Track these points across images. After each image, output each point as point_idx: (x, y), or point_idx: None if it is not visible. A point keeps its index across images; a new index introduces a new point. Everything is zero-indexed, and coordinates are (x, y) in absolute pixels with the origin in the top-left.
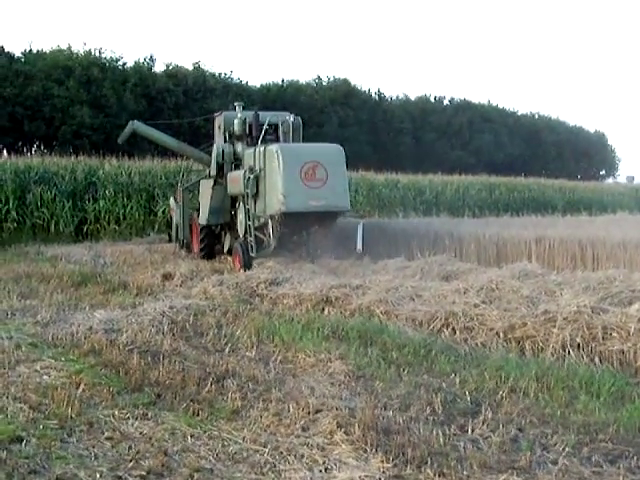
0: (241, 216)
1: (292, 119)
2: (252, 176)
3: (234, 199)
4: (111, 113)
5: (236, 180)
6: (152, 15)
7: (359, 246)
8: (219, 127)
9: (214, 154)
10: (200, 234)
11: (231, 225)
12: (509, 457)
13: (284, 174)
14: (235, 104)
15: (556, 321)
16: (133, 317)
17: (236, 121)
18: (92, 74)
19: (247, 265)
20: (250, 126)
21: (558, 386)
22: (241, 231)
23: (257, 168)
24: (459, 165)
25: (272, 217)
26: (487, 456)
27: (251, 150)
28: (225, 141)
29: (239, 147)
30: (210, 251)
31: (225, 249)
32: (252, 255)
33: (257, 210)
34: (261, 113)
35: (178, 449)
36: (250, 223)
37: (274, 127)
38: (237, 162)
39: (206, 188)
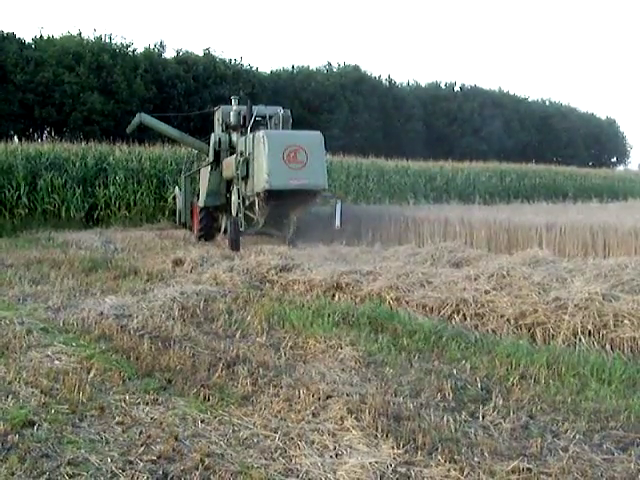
0: (234, 197)
1: (282, 112)
2: (242, 159)
3: (229, 183)
4: (121, 99)
5: (229, 164)
6: (162, 1)
7: (338, 223)
8: (218, 119)
9: (211, 142)
10: (199, 216)
11: (227, 207)
12: (520, 444)
13: (269, 156)
14: (231, 97)
15: (567, 308)
16: (144, 303)
17: (232, 113)
18: (102, 60)
19: (236, 240)
20: (244, 118)
21: (569, 373)
22: (234, 211)
23: (247, 152)
24: (470, 151)
25: (258, 194)
26: (498, 443)
27: (243, 138)
28: (222, 131)
29: (234, 136)
30: (208, 232)
31: (222, 230)
32: (241, 230)
33: (247, 190)
34: (254, 107)
35: (189, 434)
36: (240, 202)
37: (266, 119)
38: (232, 150)
39: (205, 174)
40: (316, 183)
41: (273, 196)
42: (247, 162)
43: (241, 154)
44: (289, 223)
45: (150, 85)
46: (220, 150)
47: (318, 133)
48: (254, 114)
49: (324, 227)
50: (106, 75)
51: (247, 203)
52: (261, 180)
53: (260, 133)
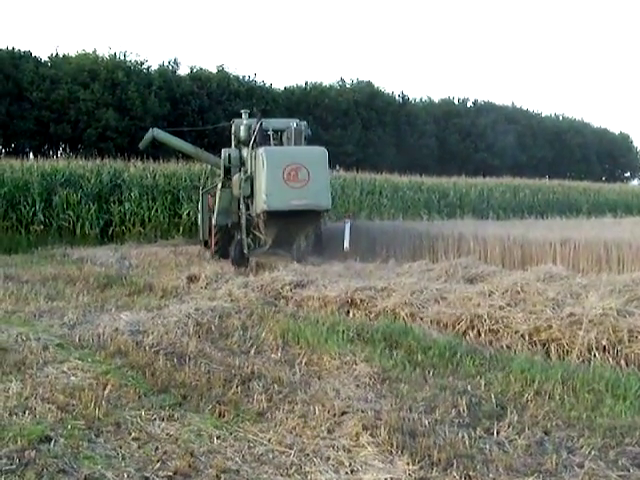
0: (241, 216)
1: (294, 125)
2: (245, 177)
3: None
4: (136, 116)
5: (236, 182)
6: (176, 19)
7: (346, 244)
8: (232, 133)
9: (222, 158)
10: (215, 234)
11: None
12: (535, 460)
13: (267, 175)
14: (242, 111)
15: (582, 324)
16: (159, 319)
17: (242, 127)
18: (117, 77)
19: (238, 263)
20: (255, 132)
21: (584, 389)
22: (241, 231)
23: (250, 170)
24: (483, 167)
25: (258, 216)
26: (513, 459)
27: (249, 154)
28: (235, 147)
29: (245, 152)
30: (224, 250)
31: None
32: (245, 252)
33: (251, 210)
34: (265, 120)
35: (204, 450)
36: (244, 222)
37: (279, 133)
38: (243, 166)
39: (218, 192)
40: (318, 203)
41: (274, 217)
42: (252, 180)
43: (245, 172)
44: (296, 243)
45: (164, 102)
46: (231, 166)
47: (322, 149)
48: (257, 128)
49: (337, 244)
50: (120, 92)
51: (253, 223)
52: (260, 201)
53: (260, 150)
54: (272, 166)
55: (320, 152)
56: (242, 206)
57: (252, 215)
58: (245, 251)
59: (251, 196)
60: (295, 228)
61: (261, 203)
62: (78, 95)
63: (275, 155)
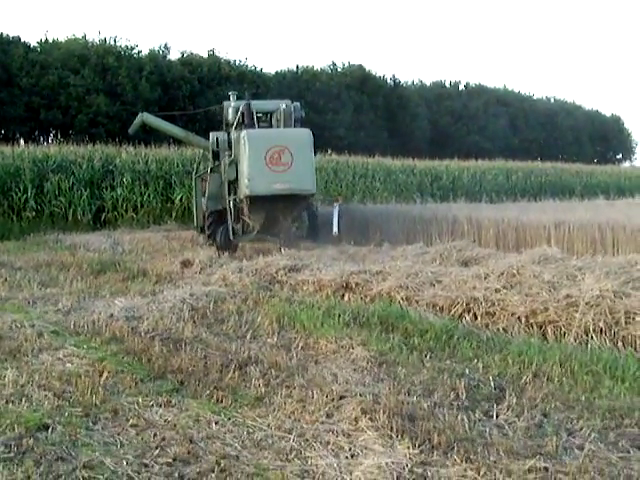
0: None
1: (284, 107)
2: (229, 161)
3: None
4: (127, 101)
5: (224, 167)
6: (167, 3)
7: (335, 229)
8: (223, 117)
9: (210, 142)
10: (207, 220)
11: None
12: (535, 443)
13: (249, 159)
14: (229, 93)
15: (578, 306)
16: (153, 304)
17: (230, 110)
18: (107, 63)
19: (224, 249)
20: (243, 114)
21: (582, 371)
22: (228, 216)
23: (234, 154)
24: (475, 150)
25: (241, 201)
26: (513, 442)
27: (234, 137)
28: (224, 130)
29: (234, 135)
30: (216, 236)
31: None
32: (231, 239)
33: (236, 194)
34: (254, 102)
35: (203, 436)
36: (230, 207)
37: (269, 115)
38: (230, 150)
39: (208, 176)
40: (302, 187)
41: (258, 202)
42: (236, 164)
43: (229, 156)
44: (283, 228)
45: (155, 87)
46: (219, 150)
47: (306, 131)
48: (244, 109)
49: (330, 228)
50: (111, 77)
51: (239, 208)
52: (243, 185)
53: (242, 133)
54: (254, 149)
55: (304, 134)
56: (227, 191)
57: (237, 200)
58: (231, 237)
59: (236, 180)
60: (281, 213)
61: (243, 188)
62: (68, 81)
63: (257, 138)
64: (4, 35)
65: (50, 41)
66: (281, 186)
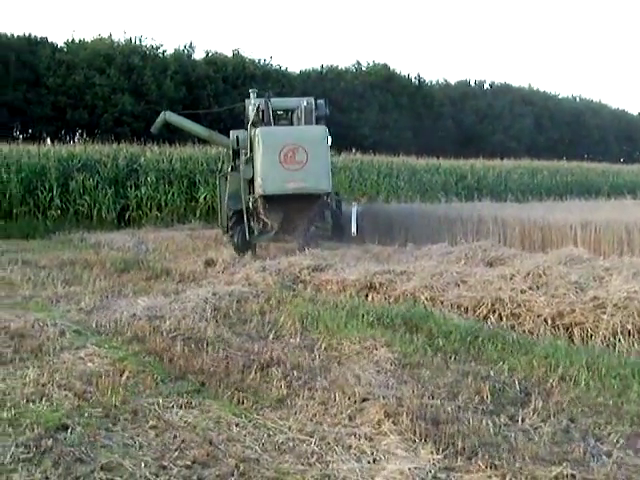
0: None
1: (305, 104)
2: (245, 160)
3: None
4: (152, 100)
5: (242, 165)
6: (192, 2)
7: (354, 229)
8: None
9: (230, 140)
10: (229, 219)
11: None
12: (561, 448)
13: (263, 157)
14: (250, 91)
15: (606, 307)
16: (176, 304)
17: (250, 107)
18: (133, 62)
19: (240, 249)
20: (263, 112)
21: (610, 374)
22: (245, 216)
23: (249, 152)
24: (500, 149)
25: (256, 200)
26: (539, 447)
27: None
28: (246, 128)
29: (251, 133)
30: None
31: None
32: (248, 239)
33: (252, 193)
34: (274, 99)
35: (223, 438)
36: (249, 207)
37: (290, 113)
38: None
39: (229, 175)
40: (316, 186)
41: (273, 201)
42: (253, 162)
43: (245, 154)
44: (300, 229)
45: (180, 86)
46: (239, 149)
47: (322, 128)
48: (263, 107)
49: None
50: (136, 77)
51: (257, 207)
52: (257, 185)
53: (257, 130)
54: (267, 147)
55: (320, 131)
56: (246, 190)
57: (254, 199)
58: (247, 237)
59: (253, 179)
60: (297, 213)
61: (257, 187)
62: (94, 80)
63: (271, 135)
64: (32, 36)
65: (77, 41)
66: (295, 185)
